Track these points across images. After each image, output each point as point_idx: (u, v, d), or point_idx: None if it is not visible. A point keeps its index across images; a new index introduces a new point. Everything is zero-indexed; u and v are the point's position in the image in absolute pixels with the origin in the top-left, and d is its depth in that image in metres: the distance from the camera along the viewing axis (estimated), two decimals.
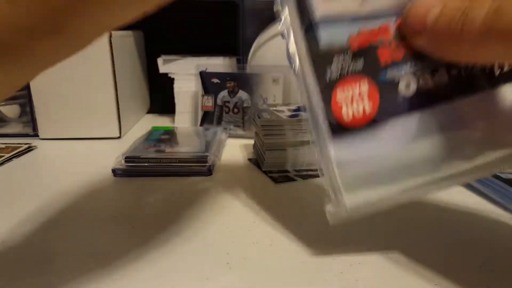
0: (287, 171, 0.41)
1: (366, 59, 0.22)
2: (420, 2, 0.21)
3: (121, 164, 0.40)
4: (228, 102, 0.56)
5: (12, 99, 0.62)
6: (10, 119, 0.61)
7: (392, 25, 0.22)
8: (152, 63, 0.64)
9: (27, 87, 0.52)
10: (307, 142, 0.41)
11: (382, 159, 0.23)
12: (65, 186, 0.37)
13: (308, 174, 0.40)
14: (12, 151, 0.48)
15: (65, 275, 0.24)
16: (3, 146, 0.50)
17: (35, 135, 0.54)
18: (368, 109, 0.22)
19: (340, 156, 0.23)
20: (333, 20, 0.22)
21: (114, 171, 0.40)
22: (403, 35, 0.22)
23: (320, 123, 0.22)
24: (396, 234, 0.28)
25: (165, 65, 0.61)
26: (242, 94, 0.55)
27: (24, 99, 0.59)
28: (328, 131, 0.22)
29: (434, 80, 0.22)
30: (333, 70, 0.22)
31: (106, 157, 0.45)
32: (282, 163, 0.41)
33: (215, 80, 0.56)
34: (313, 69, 0.22)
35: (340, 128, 0.22)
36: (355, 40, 0.22)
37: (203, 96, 0.57)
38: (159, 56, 0.62)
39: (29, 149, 0.49)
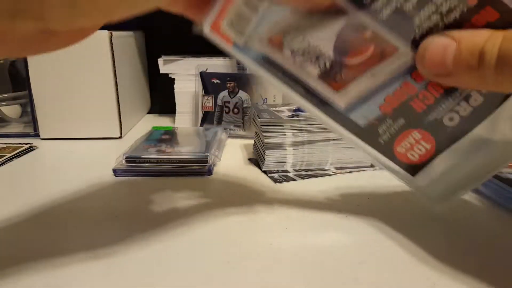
0: (287, 171, 0.41)
1: (405, 116, 0.25)
2: (434, 45, 0.22)
3: (122, 164, 0.40)
4: (228, 102, 0.56)
5: (13, 99, 0.62)
6: (11, 119, 0.62)
7: (409, 80, 0.24)
8: (153, 64, 0.64)
9: (28, 88, 0.52)
10: (307, 142, 0.41)
11: (455, 169, 0.26)
12: (66, 186, 0.38)
13: (308, 174, 0.40)
14: (13, 151, 0.48)
15: (65, 275, 0.24)
16: (4, 146, 0.50)
17: (36, 135, 0.54)
18: (428, 147, 0.26)
19: (424, 182, 0.27)
20: (358, 103, 0.25)
21: (114, 171, 0.40)
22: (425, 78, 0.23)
23: (398, 170, 0.27)
24: (395, 234, 0.28)
25: (165, 66, 0.61)
26: (242, 95, 0.55)
27: (25, 99, 0.59)
28: (406, 173, 0.27)
29: (471, 104, 0.24)
30: (382, 135, 0.26)
31: (107, 157, 0.45)
32: (282, 163, 0.41)
33: (215, 81, 0.56)
34: (364, 143, 0.26)
35: (414, 167, 0.26)
36: (386, 107, 0.25)
37: (203, 96, 0.57)
38: (159, 56, 0.62)
39: (30, 149, 0.50)
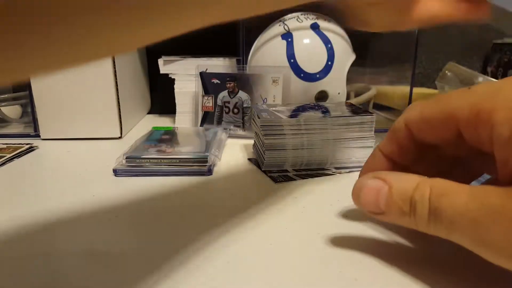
0: (286, 171, 0.41)
1: None
2: (368, 186, 0.23)
3: (122, 164, 0.40)
4: (228, 102, 0.56)
5: (13, 100, 0.62)
6: (12, 119, 0.62)
7: None
8: (153, 64, 0.65)
9: (29, 88, 0.52)
10: (307, 142, 0.41)
11: None
12: (66, 186, 0.38)
13: (308, 174, 0.40)
14: (13, 151, 0.48)
15: (65, 275, 0.24)
16: (5, 146, 0.50)
17: (37, 135, 0.55)
18: None
19: None
20: None
21: (115, 171, 0.40)
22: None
23: None
24: (395, 234, 0.28)
25: (165, 66, 0.62)
26: (242, 95, 0.56)
27: (26, 99, 0.59)
28: None
29: None
30: None
31: (107, 157, 0.45)
32: (282, 163, 0.41)
33: (215, 81, 0.56)
34: None
35: None
36: None
37: (203, 96, 0.57)
38: (160, 56, 0.62)
39: (31, 149, 0.50)
